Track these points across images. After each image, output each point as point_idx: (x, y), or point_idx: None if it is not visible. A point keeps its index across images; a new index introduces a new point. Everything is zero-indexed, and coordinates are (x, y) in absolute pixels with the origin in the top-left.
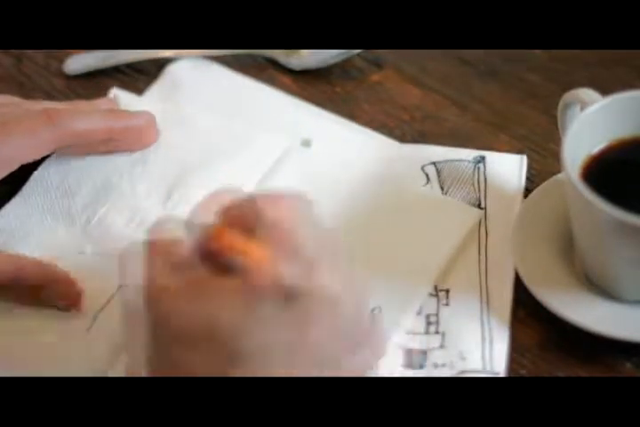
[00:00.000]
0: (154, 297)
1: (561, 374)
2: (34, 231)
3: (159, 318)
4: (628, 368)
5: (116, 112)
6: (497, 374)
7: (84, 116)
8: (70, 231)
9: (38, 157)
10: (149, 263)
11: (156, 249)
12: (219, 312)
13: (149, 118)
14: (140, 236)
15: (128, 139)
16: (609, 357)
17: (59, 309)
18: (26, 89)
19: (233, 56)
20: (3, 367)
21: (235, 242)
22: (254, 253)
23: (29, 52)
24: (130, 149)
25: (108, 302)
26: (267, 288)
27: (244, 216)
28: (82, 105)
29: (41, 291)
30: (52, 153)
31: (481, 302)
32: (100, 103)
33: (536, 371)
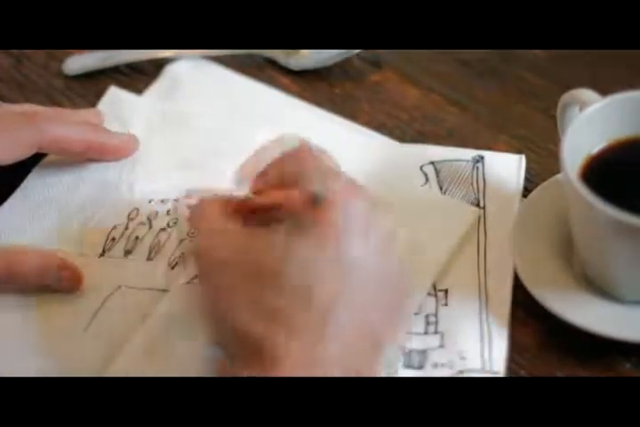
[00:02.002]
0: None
1: (560, 374)
2: (31, 232)
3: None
4: (626, 368)
5: (98, 128)
6: (496, 373)
7: (64, 124)
8: (68, 232)
9: (16, 159)
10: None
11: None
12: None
13: (128, 139)
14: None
15: (102, 156)
16: (608, 357)
17: (63, 291)
18: (25, 89)
19: (232, 56)
20: (2, 367)
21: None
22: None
23: (29, 52)
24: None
25: (106, 301)
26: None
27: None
28: (66, 113)
29: (45, 277)
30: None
31: (480, 302)
32: (87, 113)
33: (535, 371)
